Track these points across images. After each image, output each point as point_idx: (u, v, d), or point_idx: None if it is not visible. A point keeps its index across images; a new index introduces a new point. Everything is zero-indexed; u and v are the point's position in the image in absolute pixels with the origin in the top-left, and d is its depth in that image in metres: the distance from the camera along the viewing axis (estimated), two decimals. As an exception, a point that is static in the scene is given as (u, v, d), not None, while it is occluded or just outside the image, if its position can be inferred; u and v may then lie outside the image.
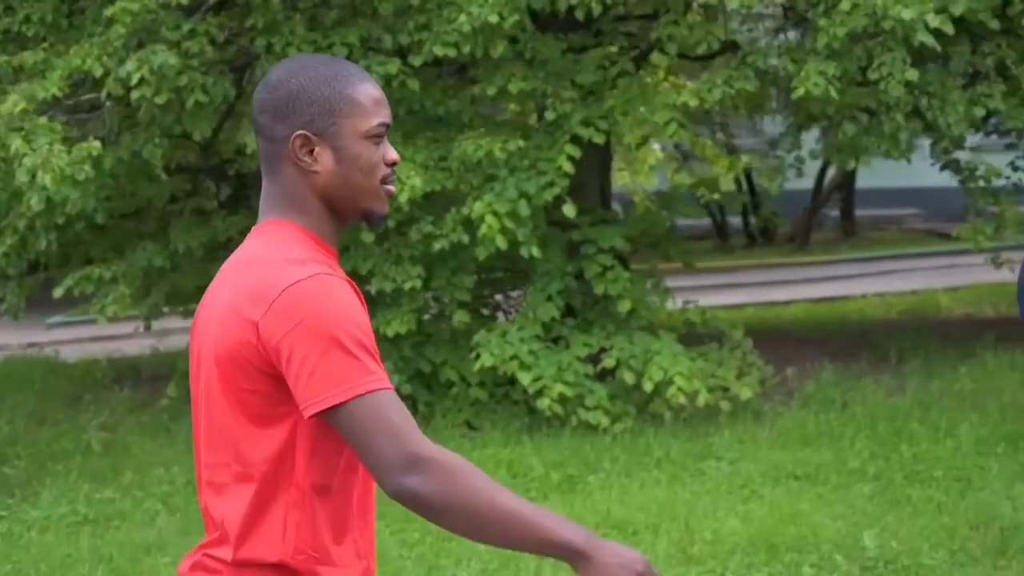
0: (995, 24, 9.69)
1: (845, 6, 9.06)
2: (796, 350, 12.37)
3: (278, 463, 2.55)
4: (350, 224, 2.72)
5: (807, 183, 23.76)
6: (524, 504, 2.47)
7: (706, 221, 25.47)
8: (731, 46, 11.13)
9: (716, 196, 12.71)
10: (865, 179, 23.81)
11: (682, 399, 9.68)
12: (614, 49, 10.86)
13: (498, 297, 11.98)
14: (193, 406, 2.72)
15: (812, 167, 20.71)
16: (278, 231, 2.65)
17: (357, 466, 2.63)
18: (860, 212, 25.49)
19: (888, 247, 22.68)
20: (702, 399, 9.72)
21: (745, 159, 17.06)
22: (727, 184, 19.89)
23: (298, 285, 2.50)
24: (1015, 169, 13.01)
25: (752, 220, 24.60)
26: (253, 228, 2.72)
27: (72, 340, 15.87)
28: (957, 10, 9.24)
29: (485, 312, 11.77)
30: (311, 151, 2.63)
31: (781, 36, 11.32)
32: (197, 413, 2.70)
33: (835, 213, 25.95)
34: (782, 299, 17.46)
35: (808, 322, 14.85)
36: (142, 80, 8.87)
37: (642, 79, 10.63)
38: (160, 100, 9.02)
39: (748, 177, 22.25)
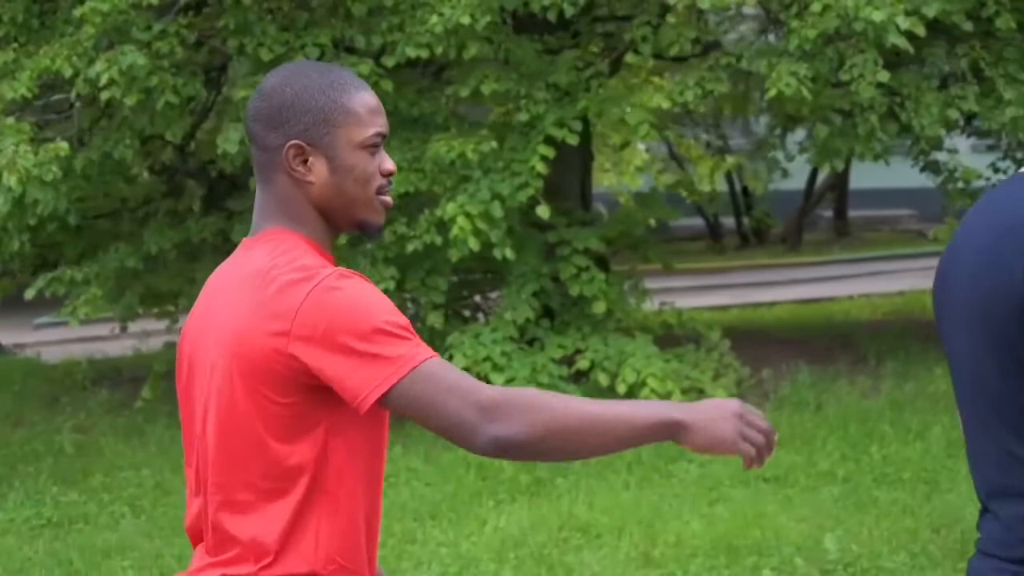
0: (968, 26, 9.66)
1: (816, 8, 9.04)
2: (776, 351, 12.34)
3: (312, 475, 2.52)
4: (348, 233, 2.69)
5: (800, 183, 23.80)
6: (606, 406, 2.45)
7: (699, 222, 25.49)
8: (715, 47, 11.13)
9: (696, 197, 12.66)
10: (859, 180, 23.81)
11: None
12: (595, 50, 10.84)
13: (477, 298, 11.96)
14: (185, 422, 2.68)
15: (804, 168, 20.71)
16: (282, 239, 2.61)
17: (380, 471, 2.63)
18: (854, 213, 25.48)
19: (880, 248, 22.67)
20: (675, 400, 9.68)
21: (731, 160, 17.04)
22: (718, 185, 19.92)
23: (320, 287, 2.46)
24: (996, 171, 13.00)
25: (745, 221, 24.62)
26: (248, 238, 2.67)
27: (58, 341, 15.86)
28: (930, 12, 9.22)
29: (467, 313, 11.77)
30: (305, 161, 2.61)
31: (764, 37, 11.33)
32: (191, 430, 2.66)
33: (829, 214, 25.96)
34: (769, 300, 17.44)
35: (791, 323, 14.82)
36: (111, 81, 8.86)
37: (625, 80, 10.67)
38: (130, 101, 9.00)
39: (741, 178, 22.25)
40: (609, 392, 9.96)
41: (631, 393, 9.85)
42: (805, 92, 9.15)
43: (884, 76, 9.16)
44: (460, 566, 7.05)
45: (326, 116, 2.59)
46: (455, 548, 7.33)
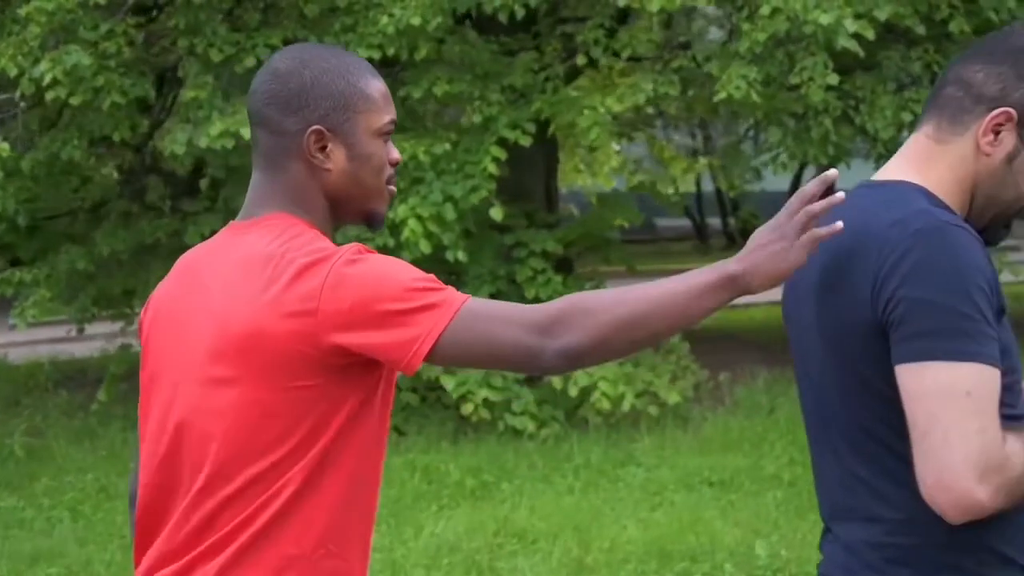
0: (922, 29, 9.64)
1: (765, 11, 9.00)
2: (740, 355, 12.33)
3: (312, 459, 2.43)
4: (353, 223, 2.62)
5: (785, 184, 23.78)
6: (659, 286, 2.38)
7: (686, 223, 25.51)
8: (684, 48, 11.09)
9: (663, 199, 12.61)
10: (845, 180, 23.76)
11: (606, 404, 9.63)
12: (556, 52, 10.80)
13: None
14: (145, 413, 2.57)
15: (791, 167, 20.64)
16: (288, 224, 2.51)
17: (379, 460, 2.56)
18: (839, 213, 25.47)
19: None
20: (627, 404, 9.66)
21: (703, 161, 17.02)
22: (692, 186, 19.89)
23: (341, 262, 2.38)
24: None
25: (732, 221, 24.63)
26: (239, 222, 2.56)
27: (27, 342, 15.79)
28: (882, 15, 9.19)
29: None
30: (324, 147, 2.52)
31: (729, 40, 11.27)
32: (155, 410, 2.55)
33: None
34: (745, 302, 17.40)
35: (762, 326, 14.80)
36: (55, 80, 8.81)
37: (593, 80, 10.61)
38: (75, 101, 8.96)
39: (714, 180, 22.23)
40: (562, 396, 9.92)
41: (583, 397, 9.82)
42: (755, 95, 9.11)
43: (834, 79, 9.13)
44: (390, 573, 7.01)
45: (347, 101, 2.51)
46: (388, 554, 7.29)
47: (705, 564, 6.93)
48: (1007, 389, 2.39)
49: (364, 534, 2.58)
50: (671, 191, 16.56)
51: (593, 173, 16.69)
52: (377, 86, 2.55)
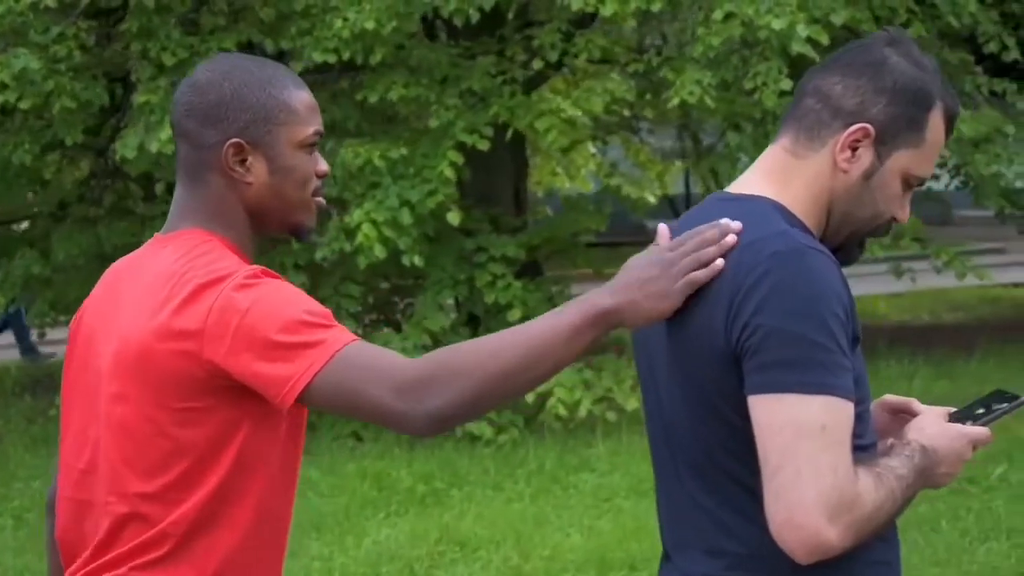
0: (878, 33, 9.59)
1: (718, 15, 8.96)
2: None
3: (211, 483, 2.40)
4: (278, 237, 2.58)
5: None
6: (528, 332, 2.31)
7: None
8: (641, 52, 11.04)
9: (628, 203, 12.55)
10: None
11: (562, 410, 9.58)
12: (520, 56, 10.76)
13: (402, 305, 11.88)
14: (74, 426, 2.56)
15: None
16: (198, 241, 2.47)
17: (290, 482, 2.51)
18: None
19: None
20: (584, 410, 9.61)
21: (679, 164, 16.98)
22: (670, 189, 19.83)
23: (233, 286, 2.34)
24: (934, 177, 12.92)
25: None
26: (162, 235, 2.54)
27: (7, 345, 15.74)
28: (838, 20, 9.16)
29: (396, 319, 11.69)
30: (243, 160, 2.48)
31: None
32: (76, 420, 2.54)
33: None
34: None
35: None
36: (4, 84, 8.77)
37: (566, 81, 10.58)
38: (24, 105, 8.92)
39: (688, 183, 22.24)
40: (521, 402, 9.87)
41: (541, 403, 9.77)
42: (708, 100, 9.07)
43: (787, 84, 9.08)
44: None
45: (266, 114, 2.48)
46: (328, 563, 7.26)
47: (643, 572, 6.89)
48: (858, 419, 2.32)
49: (271, 570, 2.54)
50: (648, 194, 16.52)
51: (570, 176, 16.66)
52: (301, 97, 2.51)
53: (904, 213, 2.45)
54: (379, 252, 9.42)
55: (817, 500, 2.21)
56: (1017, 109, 10.78)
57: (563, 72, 11.92)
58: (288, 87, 2.51)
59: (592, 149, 16.57)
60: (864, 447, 2.33)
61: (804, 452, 2.22)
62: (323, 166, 2.56)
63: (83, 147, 10.75)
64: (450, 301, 10.93)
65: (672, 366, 2.42)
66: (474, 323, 10.78)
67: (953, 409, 2.50)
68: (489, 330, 10.41)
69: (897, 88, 2.39)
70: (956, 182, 12.40)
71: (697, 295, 2.34)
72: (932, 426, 2.41)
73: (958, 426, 2.42)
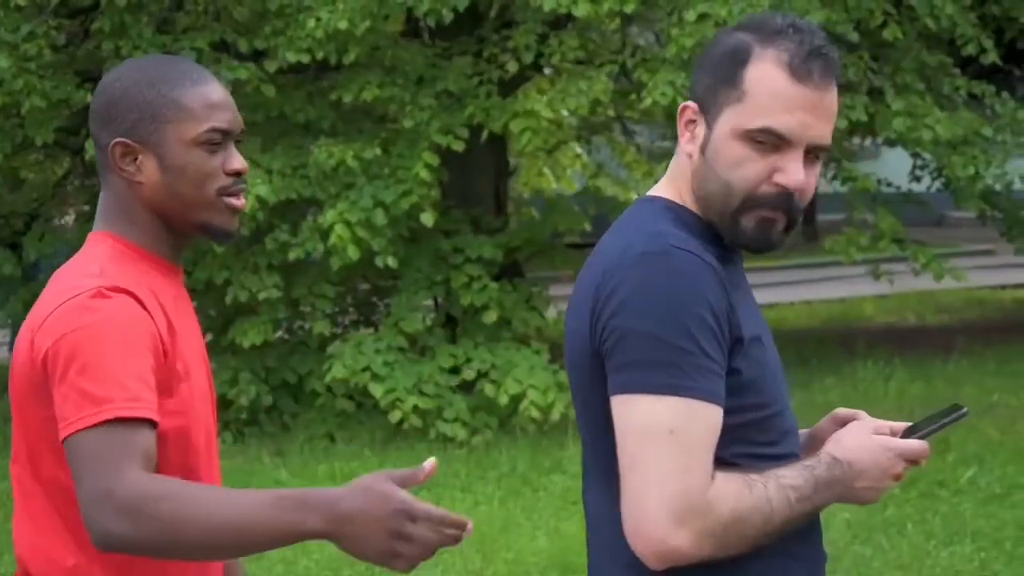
0: (855, 36, 9.59)
1: (691, 16, 8.93)
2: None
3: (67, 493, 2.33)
4: (195, 237, 2.52)
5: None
6: (243, 514, 2.16)
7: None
8: (617, 53, 11.01)
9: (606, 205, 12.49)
10: (829, 183, 23.73)
11: (535, 413, 9.55)
12: (495, 55, 10.72)
13: (380, 306, 11.85)
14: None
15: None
16: (92, 246, 2.47)
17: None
18: (824, 217, 25.34)
19: (832, 253, 22.52)
20: (556, 413, 9.58)
21: (665, 164, 16.87)
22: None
23: (74, 299, 2.30)
24: (916, 179, 12.92)
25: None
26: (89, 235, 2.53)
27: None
28: (814, 21, 9.10)
29: (373, 319, 11.66)
30: (134, 159, 2.44)
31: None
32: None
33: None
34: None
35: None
36: (-28, 84, 8.77)
37: (553, 84, 10.52)
38: (-7, 103, 8.93)
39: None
40: (496, 404, 9.82)
41: (514, 404, 9.73)
42: (681, 102, 9.02)
43: (760, 85, 9.04)
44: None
45: (153, 112, 2.42)
46: (292, 566, 7.23)
47: (606, 576, 6.85)
48: (753, 426, 2.28)
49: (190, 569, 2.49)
50: (634, 194, 16.47)
51: (556, 177, 16.61)
52: (198, 94, 2.45)
53: (786, 175, 2.27)
54: (352, 253, 9.39)
55: (660, 506, 2.17)
56: (995, 112, 10.75)
57: (548, 73, 11.90)
58: (183, 84, 2.45)
59: (578, 150, 16.54)
60: (777, 456, 2.29)
61: (649, 456, 2.18)
62: (235, 164, 2.48)
63: (59, 146, 10.72)
64: (428, 302, 10.90)
65: (569, 374, 2.41)
66: (452, 324, 10.76)
67: (907, 424, 2.43)
68: (466, 332, 10.41)
69: (712, 57, 2.36)
70: (938, 184, 12.37)
71: (577, 295, 2.33)
72: (851, 438, 2.33)
73: (882, 439, 2.33)
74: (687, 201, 2.37)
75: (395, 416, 9.59)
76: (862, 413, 2.45)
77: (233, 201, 2.48)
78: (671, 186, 2.40)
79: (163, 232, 2.49)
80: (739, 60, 2.32)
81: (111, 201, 2.49)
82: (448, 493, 8.55)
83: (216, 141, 2.45)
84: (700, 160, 2.33)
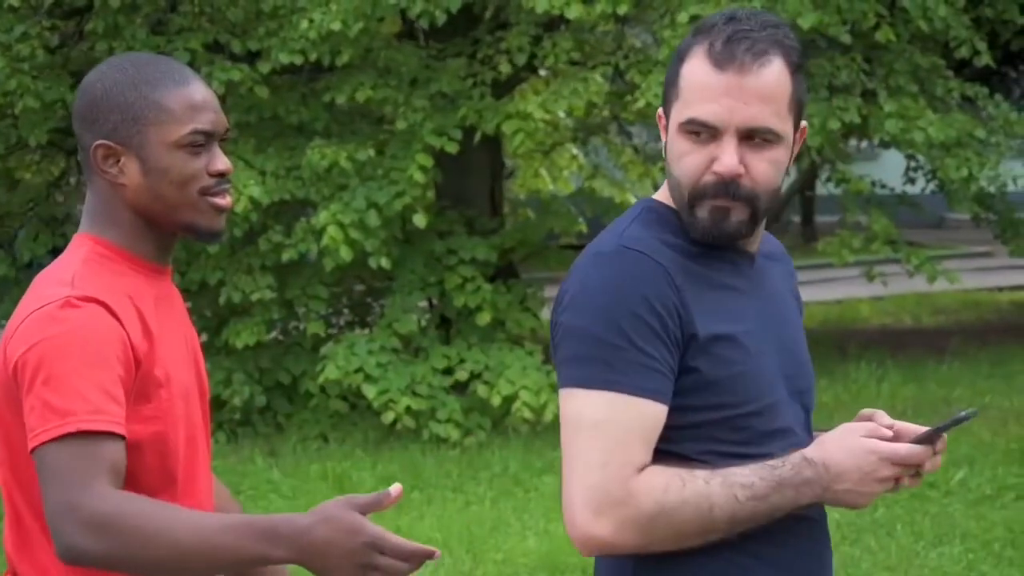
0: (847, 38, 9.61)
1: (683, 18, 8.94)
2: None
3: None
4: (182, 238, 2.51)
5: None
6: (214, 530, 2.19)
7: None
8: (611, 55, 11.02)
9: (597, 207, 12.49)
10: (823, 185, 23.76)
11: (527, 414, 9.57)
12: (489, 56, 10.74)
13: (376, 307, 11.87)
14: None
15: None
16: (73, 250, 2.46)
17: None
18: (822, 218, 25.39)
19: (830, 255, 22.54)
20: (549, 414, 9.60)
21: (660, 165, 16.91)
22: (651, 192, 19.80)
23: (43, 309, 2.30)
24: (910, 181, 12.93)
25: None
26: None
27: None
28: (805, 24, 9.13)
29: (368, 320, 11.68)
30: (117, 161, 2.43)
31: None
32: None
33: (799, 219, 25.91)
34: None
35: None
36: (-35, 84, 8.79)
37: (539, 86, 10.54)
38: (-15, 104, 8.97)
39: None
40: (489, 404, 9.84)
41: (507, 405, 9.75)
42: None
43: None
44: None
45: (135, 114, 2.41)
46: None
47: (593, 576, 6.87)
48: (718, 425, 2.31)
49: None
50: (631, 196, 16.50)
51: (553, 178, 16.63)
52: (180, 95, 2.44)
53: (720, 162, 2.30)
54: (345, 254, 9.41)
55: (578, 495, 2.24)
56: (989, 114, 10.76)
57: (544, 74, 11.92)
58: (165, 85, 2.44)
59: (575, 151, 16.56)
60: (752, 456, 2.30)
61: (576, 447, 2.25)
62: (218, 164, 2.46)
63: (54, 147, 10.75)
64: (423, 303, 10.92)
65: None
66: (446, 325, 10.78)
67: (925, 428, 2.39)
68: (460, 333, 10.43)
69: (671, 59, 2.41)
70: (932, 186, 12.39)
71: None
72: (834, 440, 2.33)
73: (869, 442, 2.31)
74: (665, 198, 2.41)
75: (388, 417, 9.61)
76: (881, 413, 2.43)
77: (217, 201, 2.47)
78: (664, 188, 2.44)
79: (147, 232, 2.48)
80: (678, 59, 2.38)
81: (95, 202, 2.49)
82: (440, 493, 8.57)
83: (199, 143, 2.44)
84: (665, 162, 2.39)
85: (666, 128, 2.38)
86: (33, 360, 2.28)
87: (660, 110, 2.41)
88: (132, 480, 2.35)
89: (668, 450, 2.28)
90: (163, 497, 2.38)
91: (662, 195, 2.42)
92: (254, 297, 9.85)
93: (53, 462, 2.22)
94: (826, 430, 2.42)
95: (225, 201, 2.48)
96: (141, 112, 2.42)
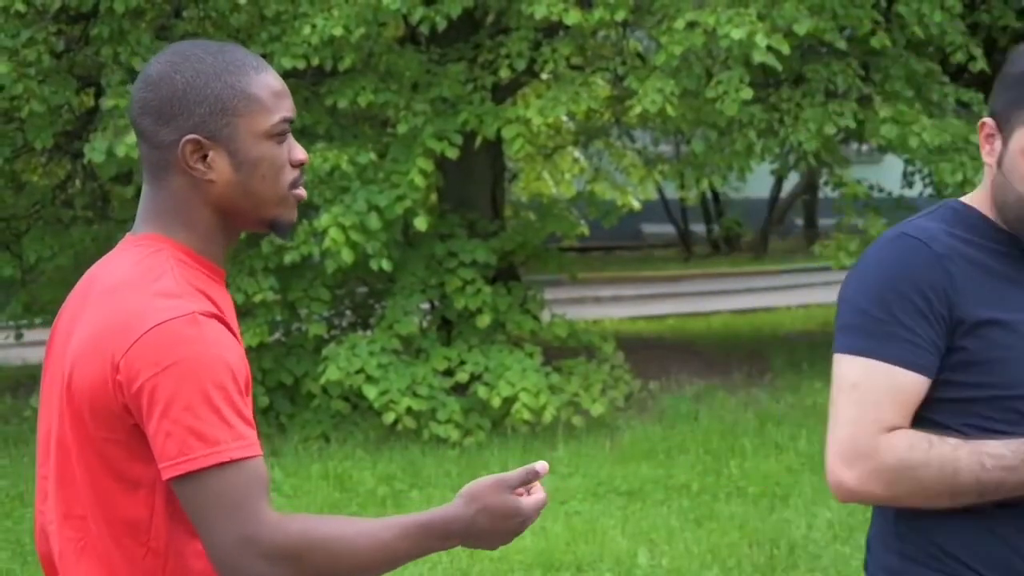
0: (843, 44, 9.72)
1: (680, 25, 9.05)
2: (682, 363, 12.36)
3: (135, 525, 2.25)
4: (247, 234, 2.50)
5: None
6: (391, 538, 2.22)
7: (672, 229, 25.55)
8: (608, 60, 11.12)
9: (595, 212, 12.53)
10: (832, 188, 23.83)
11: (526, 415, 9.68)
12: (489, 61, 10.84)
13: (377, 308, 11.97)
14: (42, 432, 2.38)
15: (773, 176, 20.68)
16: (151, 252, 2.30)
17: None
18: (826, 221, 25.45)
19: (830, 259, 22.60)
20: (548, 415, 9.71)
21: (660, 168, 16.99)
22: (652, 194, 19.93)
23: (169, 324, 2.18)
24: (909, 184, 13.02)
25: (715, 229, 24.67)
26: (127, 237, 2.37)
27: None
28: (801, 30, 9.25)
29: (370, 322, 11.78)
30: (204, 157, 2.29)
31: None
32: (46, 443, 2.36)
33: (802, 222, 25.99)
34: (710, 310, 17.46)
35: (720, 334, 14.82)
36: (-29, 89, 8.91)
37: (540, 89, 10.64)
38: (-7, 108, 9.09)
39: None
40: (489, 405, 9.94)
41: (506, 406, 9.86)
42: (670, 109, 9.16)
43: (747, 93, 9.17)
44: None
45: (224, 104, 2.28)
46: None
47: (588, 574, 7.00)
48: (983, 403, 2.50)
49: None
50: (632, 198, 16.64)
51: (556, 181, 16.76)
52: (264, 82, 2.32)
53: None
54: (346, 256, 9.52)
55: (834, 446, 2.52)
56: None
57: (546, 78, 12.02)
58: (248, 73, 2.32)
59: (577, 154, 16.69)
60: (1010, 435, 2.48)
61: (837, 404, 2.55)
62: (299, 154, 2.36)
63: (60, 150, 10.87)
64: (425, 305, 11.04)
65: None
66: (447, 327, 10.90)
67: None
68: (460, 334, 10.54)
69: (1012, 76, 2.57)
70: (929, 190, 12.48)
71: None
72: None
73: None
74: (985, 206, 2.61)
75: (389, 417, 9.72)
76: None
77: (300, 192, 2.39)
78: (978, 191, 2.64)
79: (218, 234, 2.36)
80: None
81: (167, 202, 2.33)
82: (439, 493, 8.68)
83: (285, 131, 2.35)
84: (998, 173, 2.56)
85: (992, 138, 2.55)
86: (167, 385, 2.16)
87: (988, 122, 2.56)
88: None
89: (931, 418, 2.52)
90: None
91: (973, 199, 2.63)
92: (257, 299, 9.96)
93: (211, 492, 2.16)
94: None
95: (303, 193, 2.40)
96: (230, 103, 2.30)
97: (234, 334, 2.29)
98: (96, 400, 2.22)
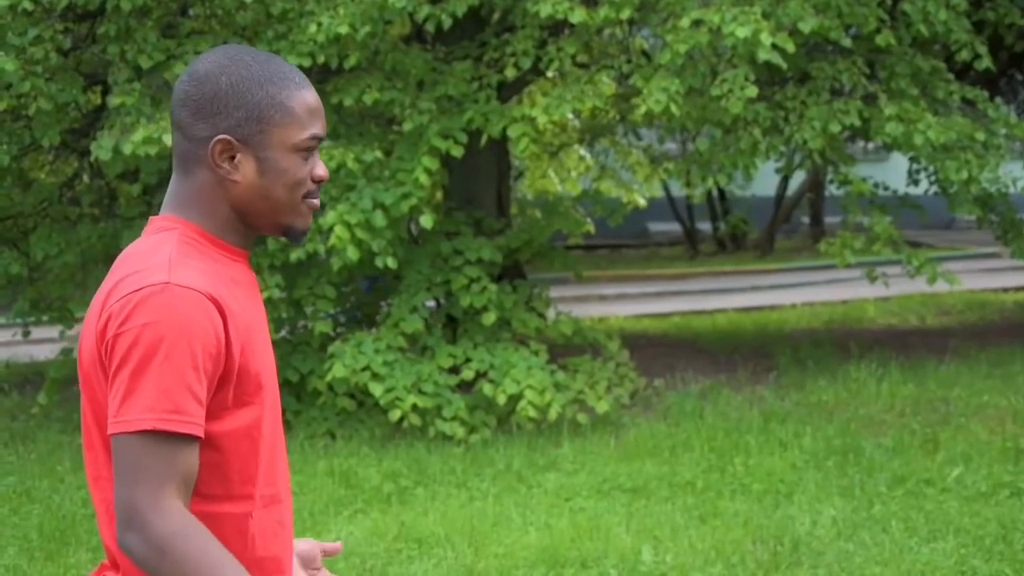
0: (847, 42, 9.73)
1: (685, 23, 9.07)
2: (687, 361, 12.39)
3: None
4: (265, 235, 2.59)
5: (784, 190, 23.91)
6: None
7: (679, 227, 25.60)
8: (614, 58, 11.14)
9: (600, 210, 12.57)
10: (837, 186, 23.84)
11: (532, 412, 9.70)
12: (494, 59, 10.86)
13: (384, 307, 12.00)
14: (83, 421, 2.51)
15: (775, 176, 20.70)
16: (168, 229, 2.44)
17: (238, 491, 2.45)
18: (832, 219, 25.47)
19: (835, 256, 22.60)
20: (554, 413, 9.74)
21: (666, 166, 17.03)
22: (657, 192, 19.91)
23: (141, 292, 2.29)
24: (914, 183, 13.01)
25: (721, 227, 24.70)
26: (149, 220, 2.50)
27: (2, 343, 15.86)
28: (806, 28, 9.26)
29: (376, 320, 11.80)
30: (232, 158, 2.42)
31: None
32: (85, 417, 2.49)
33: (808, 220, 26.01)
34: (715, 307, 17.48)
35: (725, 332, 14.84)
36: (-21, 86, 8.94)
37: (547, 87, 10.66)
38: (0, 106, 9.08)
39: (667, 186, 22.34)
40: (494, 402, 9.96)
41: (511, 404, 9.90)
42: (675, 108, 9.17)
43: (752, 92, 9.18)
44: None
45: (261, 112, 2.40)
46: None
47: (593, 570, 7.01)
48: None
49: None
50: (639, 196, 16.65)
51: (561, 179, 16.78)
52: (302, 98, 2.45)
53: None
54: (352, 254, 9.54)
55: None
56: (989, 117, 10.86)
57: (552, 75, 12.04)
58: (289, 87, 2.44)
59: (582, 152, 16.71)
60: None
61: None
62: (321, 171, 2.50)
63: (67, 148, 10.90)
64: (430, 303, 11.06)
65: None
66: (452, 324, 10.92)
67: None
68: (467, 333, 10.56)
69: None
70: (935, 188, 12.48)
71: None
72: None
73: None
74: None
75: (395, 415, 9.75)
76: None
77: (314, 203, 2.51)
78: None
79: (238, 226, 2.50)
80: None
81: (191, 192, 2.46)
82: (444, 489, 8.71)
83: (313, 148, 2.47)
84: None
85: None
86: (124, 343, 2.28)
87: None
88: (221, 469, 2.40)
89: None
90: (247, 486, 2.45)
91: None
92: (263, 296, 9.97)
93: (126, 456, 2.25)
94: None
95: (317, 203, 2.52)
96: (267, 112, 2.42)
97: (225, 307, 2.37)
98: (93, 362, 2.37)
